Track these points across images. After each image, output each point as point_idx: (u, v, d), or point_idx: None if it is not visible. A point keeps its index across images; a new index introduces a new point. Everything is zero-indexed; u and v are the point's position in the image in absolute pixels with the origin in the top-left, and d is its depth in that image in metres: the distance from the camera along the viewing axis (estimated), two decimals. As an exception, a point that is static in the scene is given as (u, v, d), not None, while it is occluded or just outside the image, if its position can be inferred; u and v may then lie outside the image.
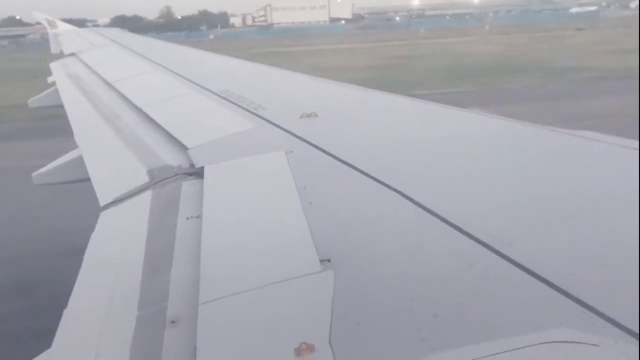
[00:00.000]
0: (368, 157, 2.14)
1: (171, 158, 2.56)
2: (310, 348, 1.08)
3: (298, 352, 1.08)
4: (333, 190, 1.88)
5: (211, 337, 1.20)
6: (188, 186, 2.17)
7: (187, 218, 1.87)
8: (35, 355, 1.35)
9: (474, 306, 1.16)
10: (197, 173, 2.27)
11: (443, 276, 1.29)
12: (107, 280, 1.60)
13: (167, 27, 73.79)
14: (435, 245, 1.43)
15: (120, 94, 4.36)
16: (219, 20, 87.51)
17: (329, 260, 1.38)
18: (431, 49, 36.80)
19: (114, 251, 1.82)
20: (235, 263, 1.51)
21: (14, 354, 4.98)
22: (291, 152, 2.25)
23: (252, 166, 2.27)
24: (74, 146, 3.32)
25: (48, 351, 1.34)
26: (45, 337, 1.40)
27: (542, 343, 1.01)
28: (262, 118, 2.91)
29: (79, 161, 2.97)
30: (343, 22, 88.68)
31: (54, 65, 7.34)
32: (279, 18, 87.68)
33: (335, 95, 3.71)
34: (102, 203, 2.20)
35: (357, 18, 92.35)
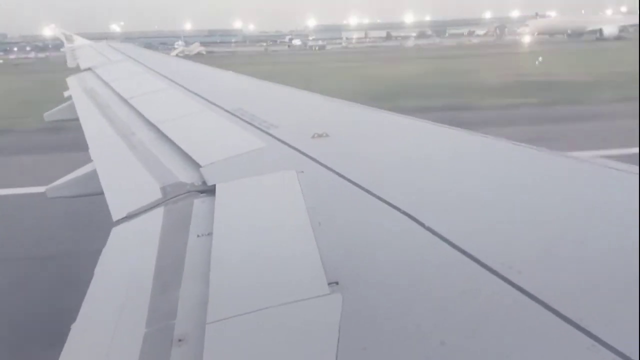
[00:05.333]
0: (379, 178, 2.15)
1: (184, 175, 2.59)
2: None
3: None
4: (343, 212, 1.88)
5: (217, 357, 1.20)
6: (200, 203, 2.19)
7: (198, 235, 1.88)
8: None
9: (481, 334, 1.16)
10: (209, 190, 2.29)
11: (451, 302, 1.28)
12: (116, 296, 1.61)
13: None
14: (444, 271, 1.43)
15: (135, 110, 4.42)
16: None
17: (337, 283, 1.38)
18: None
19: (124, 267, 1.84)
20: (243, 283, 1.52)
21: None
22: (302, 172, 2.26)
23: (263, 185, 2.28)
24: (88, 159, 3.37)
25: None
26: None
27: None
28: (274, 137, 2.93)
29: (93, 175, 3.01)
30: None
31: (71, 80, 7.46)
32: None
33: (346, 115, 3.74)
34: (114, 218, 2.22)
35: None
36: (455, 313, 1.24)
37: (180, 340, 1.31)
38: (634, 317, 1.16)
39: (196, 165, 2.63)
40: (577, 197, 1.90)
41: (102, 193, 2.64)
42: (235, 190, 2.25)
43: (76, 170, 3.51)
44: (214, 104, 4.10)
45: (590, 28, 76.72)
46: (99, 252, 1.91)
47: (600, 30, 73.88)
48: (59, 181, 3.56)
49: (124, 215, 2.23)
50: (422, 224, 1.67)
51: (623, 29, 74.67)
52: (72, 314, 1.53)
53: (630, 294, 1.26)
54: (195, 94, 4.69)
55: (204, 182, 2.39)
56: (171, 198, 2.32)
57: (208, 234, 1.85)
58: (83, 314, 1.54)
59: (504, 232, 1.63)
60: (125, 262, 1.89)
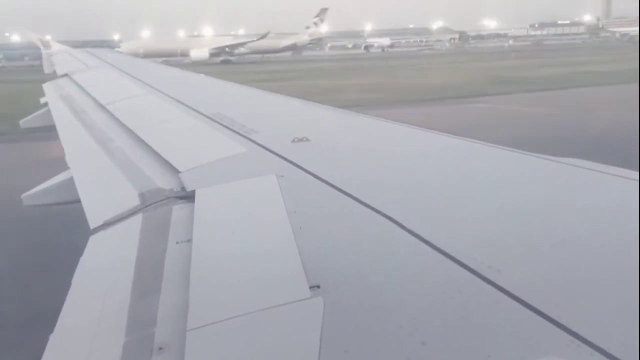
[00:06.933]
0: (359, 182, 2.15)
1: (163, 181, 2.56)
2: None
3: None
4: (324, 216, 1.89)
5: None
6: (179, 210, 2.17)
7: (177, 242, 1.86)
8: None
9: (462, 333, 1.17)
10: (189, 196, 2.27)
11: (432, 303, 1.29)
12: (94, 305, 1.59)
13: None
14: (424, 272, 1.44)
15: (113, 116, 4.36)
16: None
17: (318, 287, 1.38)
18: None
19: (102, 275, 1.81)
20: (224, 288, 1.51)
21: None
22: (282, 176, 2.26)
23: (242, 190, 2.27)
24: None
25: None
26: None
27: None
28: (254, 142, 2.92)
29: (70, 183, 2.96)
30: None
31: (47, 86, 7.34)
32: None
33: (326, 120, 3.75)
34: (91, 226, 2.19)
35: None
36: (436, 313, 1.25)
37: (160, 349, 1.29)
38: (610, 312, 1.18)
39: (175, 171, 2.61)
40: (565, 200, 1.92)
41: (79, 201, 2.60)
42: (215, 196, 2.24)
43: (53, 178, 3.45)
44: (194, 109, 4.07)
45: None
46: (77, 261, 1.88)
47: (189, 55, 69.09)
48: (35, 189, 3.49)
49: (101, 223, 2.20)
50: (402, 226, 1.68)
51: (220, 51, 69.20)
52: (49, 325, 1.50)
53: (606, 291, 1.28)
54: (175, 99, 4.66)
55: (183, 188, 2.37)
56: (150, 205, 2.29)
57: (188, 240, 1.83)
58: (61, 324, 1.51)
59: (485, 233, 1.65)
60: (104, 270, 1.86)
